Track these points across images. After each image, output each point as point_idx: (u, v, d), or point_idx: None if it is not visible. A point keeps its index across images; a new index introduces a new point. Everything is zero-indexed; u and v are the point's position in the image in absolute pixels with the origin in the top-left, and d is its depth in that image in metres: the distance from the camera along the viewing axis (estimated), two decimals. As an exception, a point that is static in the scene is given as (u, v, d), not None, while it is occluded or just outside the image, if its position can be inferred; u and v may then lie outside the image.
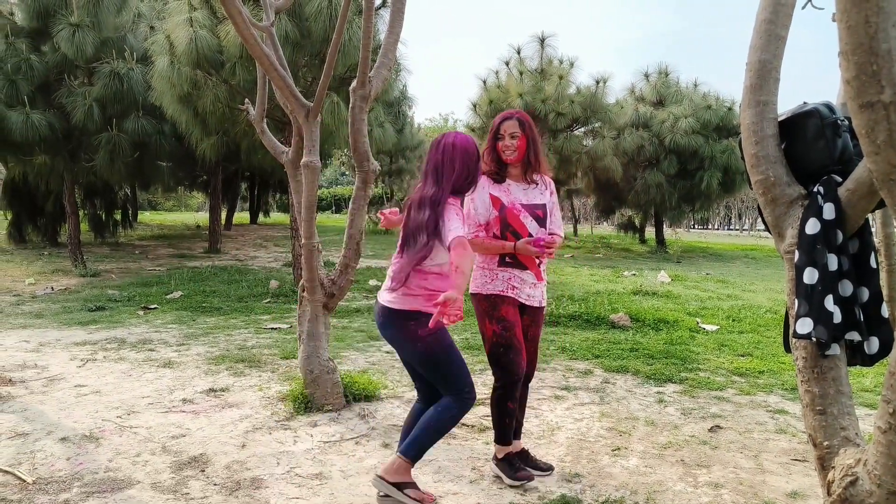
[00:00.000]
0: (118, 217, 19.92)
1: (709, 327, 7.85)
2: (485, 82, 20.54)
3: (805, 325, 1.99)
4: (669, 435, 4.21)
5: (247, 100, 5.98)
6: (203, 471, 3.55)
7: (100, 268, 12.93)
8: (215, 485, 3.38)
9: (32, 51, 12.31)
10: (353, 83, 4.30)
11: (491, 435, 4.16)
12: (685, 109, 20.80)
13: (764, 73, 2.12)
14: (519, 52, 20.14)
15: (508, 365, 3.39)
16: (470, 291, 3.54)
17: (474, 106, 20.50)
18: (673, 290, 11.23)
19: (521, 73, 19.79)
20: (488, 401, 4.04)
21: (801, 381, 2.08)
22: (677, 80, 22.70)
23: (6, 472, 3.48)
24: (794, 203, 2.11)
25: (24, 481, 3.37)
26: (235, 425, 4.27)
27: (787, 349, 2.20)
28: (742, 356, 6.47)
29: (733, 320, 8.39)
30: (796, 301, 2.04)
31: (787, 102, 2.19)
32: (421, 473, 3.55)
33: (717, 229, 49.34)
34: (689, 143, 20.31)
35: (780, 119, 2.17)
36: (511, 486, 3.40)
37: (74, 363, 5.81)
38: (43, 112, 12.02)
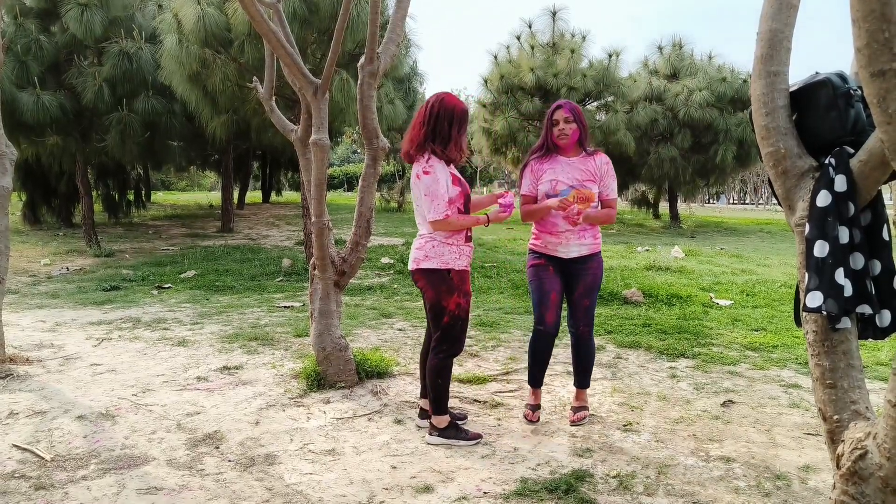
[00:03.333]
0: (131, 197, 20.03)
1: (722, 302, 7.81)
2: (496, 57, 20.38)
3: (815, 299, 1.97)
4: (682, 410, 4.21)
5: (255, 78, 5.96)
6: (218, 447, 3.60)
7: (114, 248, 13.03)
8: (230, 461, 3.42)
9: (42, 31, 12.30)
10: (362, 59, 4.27)
11: (502, 411, 4.18)
12: (699, 82, 20.54)
13: (775, 43, 2.07)
14: (530, 26, 19.94)
15: (461, 337, 3.68)
16: (434, 267, 3.56)
17: (485, 81, 20.36)
18: (686, 265, 11.17)
19: (532, 48, 19.61)
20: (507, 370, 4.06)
21: (812, 355, 2.06)
22: (691, 53, 22.40)
23: (25, 449, 3.54)
24: (805, 175, 2.07)
25: (43, 458, 3.43)
26: (249, 402, 4.31)
27: (798, 323, 2.18)
28: (756, 331, 6.44)
29: (747, 295, 8.34)
30: (807, 274, 2.02)
31: (801, 73, 2.16)
32: (432, 449, 3.57)
33: (733, 203, 48.96)
34: (703, 117, 20.08)
35: (791, 90, 2.13)
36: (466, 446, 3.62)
37: (90, 342, 5.88)
38: (53, 93, 12.05)
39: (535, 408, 4.05)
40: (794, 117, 2.12)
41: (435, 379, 3.65)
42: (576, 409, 4.00)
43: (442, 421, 3.67)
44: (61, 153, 12.95)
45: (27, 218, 17.41)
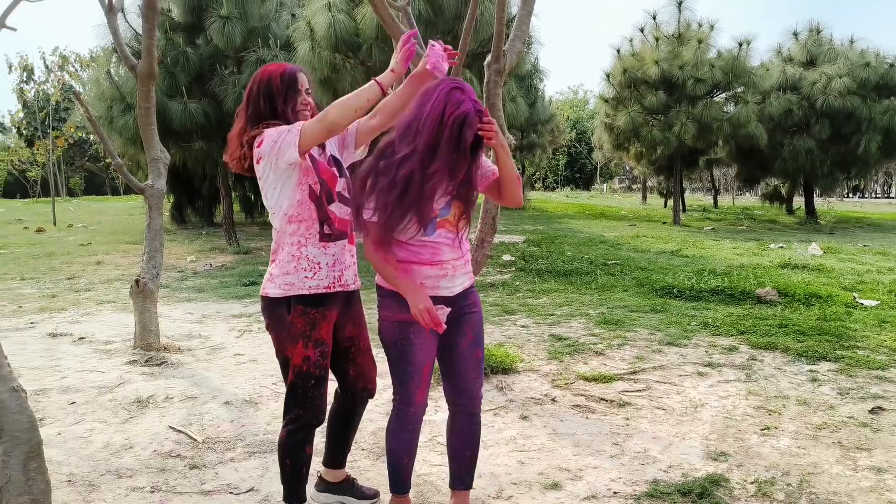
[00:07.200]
0: (265, 198, 21.11)
1: (867, 302, 7.29)
2: (618, 51, 19.98)
3: None
4: (824, 415, 3.99)
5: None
6: (352, 436, 3.75)
7: (251, 245, 13.79)
8: (363, 450, 3.57)
9: (188, 44, 13.24)
10: (488, 58, 4.33)
11: (630, 411, 4.12)
12: (840, 69, 19.20)
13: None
14: (654, 18, 19.45)
15: (316, 403, 2.87)
16: (274, 295, 2.75)
17: (607, 76, 19.99)
18: (825, 262, 10.50)
19: (656, 40, 19.12)
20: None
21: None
22: (830, 38, 21.02)
23: (180, 431, 3.84)
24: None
25: (195, 440, 3.71)
26: (380, 394, 4.43)
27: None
28: (907, 334, 5.98)
29: (896, 295, 7.75)
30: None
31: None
32: (559, 446, 3.57)
33: (876, 198, 45.52)
34: (843, 105, 18.76)
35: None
36: None
37: (233, 334, 6.27)
38: (199, 101, 12.92)
39: None
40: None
41: (282, 458, 2.71)
42: None
43: None
44: (205, 157, 13.87)
45: (175, 218, 18.79)
